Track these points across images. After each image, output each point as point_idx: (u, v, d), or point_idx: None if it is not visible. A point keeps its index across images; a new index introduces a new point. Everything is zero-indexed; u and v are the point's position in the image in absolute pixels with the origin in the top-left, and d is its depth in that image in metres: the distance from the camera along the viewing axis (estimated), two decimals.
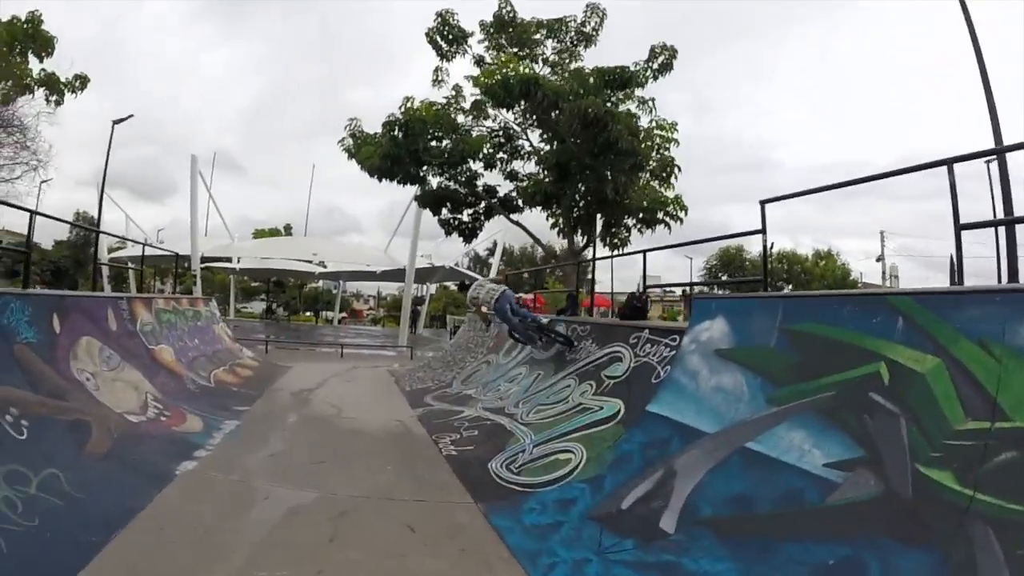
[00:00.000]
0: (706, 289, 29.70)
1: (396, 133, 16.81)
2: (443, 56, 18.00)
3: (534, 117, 16.62)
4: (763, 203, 7.38)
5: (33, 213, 9.56)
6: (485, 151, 17.87)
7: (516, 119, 18.06)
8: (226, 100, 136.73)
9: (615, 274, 17.75)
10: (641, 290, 11.58)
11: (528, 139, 18.07)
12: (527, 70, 15.52)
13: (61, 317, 8.23)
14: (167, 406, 9.12)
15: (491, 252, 53.84)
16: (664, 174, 15.65)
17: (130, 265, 26.85)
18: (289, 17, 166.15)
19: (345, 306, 69.40)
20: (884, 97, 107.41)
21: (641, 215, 16.11)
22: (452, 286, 60.26)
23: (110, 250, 38.25)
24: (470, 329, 18.36)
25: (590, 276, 15.77)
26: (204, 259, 34.82)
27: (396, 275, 46.02)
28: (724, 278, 49.01)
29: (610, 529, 5.22)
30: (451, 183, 18.75)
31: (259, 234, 56.33)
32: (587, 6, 17.12)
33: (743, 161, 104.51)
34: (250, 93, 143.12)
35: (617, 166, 15.23)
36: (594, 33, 17.27)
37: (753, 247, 48.14)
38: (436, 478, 7.18)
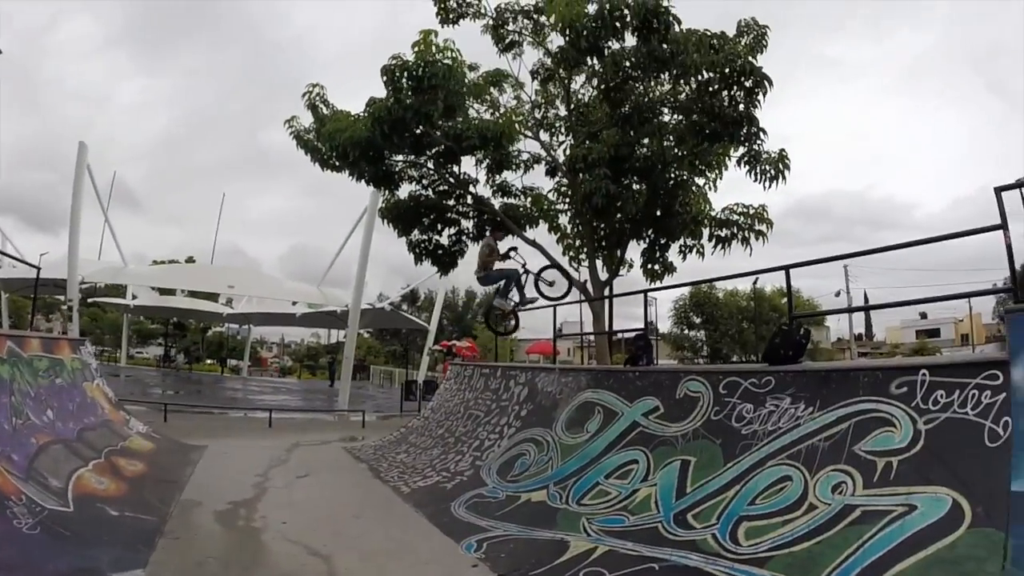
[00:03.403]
0: None
1: (404, 83, 11.59)
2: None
3: (600, 86, 12.27)
4: (998, 191, 5.43)
5: None
6: (516, 138, 13.33)
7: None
8: (137, 131, 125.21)
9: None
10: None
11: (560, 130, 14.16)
12: None
13: None
14: None
15: (406, 299, 48.24)
16: (774, 171, 11.42)
17: None
18: (212, 51, 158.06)
19: (251, 353, 60.67)
20: None
21: (717, 231, 12.48)
22: (366, 333, 53.82)
23: None
24: (460, 386, 13.65)
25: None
26: (90, 291, 27.25)
27: (317, 319, 40.09)
28: (699, 320, 44.98)
29: None
30: (428, 191, 14.13)
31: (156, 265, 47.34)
32: None
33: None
34: (160, 126, 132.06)
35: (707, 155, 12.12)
36: None
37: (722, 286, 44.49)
38: None
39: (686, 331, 46.55)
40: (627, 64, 11.10)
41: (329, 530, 7.22)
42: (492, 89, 14.11)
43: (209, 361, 59.30)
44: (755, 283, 8.54)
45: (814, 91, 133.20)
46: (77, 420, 9.57)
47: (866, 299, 41.26)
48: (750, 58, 10.52)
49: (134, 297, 38.07)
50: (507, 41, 13.31)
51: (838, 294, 42.85)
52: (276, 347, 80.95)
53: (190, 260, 51.19)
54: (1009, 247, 5.52)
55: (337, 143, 12.16)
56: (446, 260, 14.51)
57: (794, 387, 6.26)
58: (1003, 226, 5.48)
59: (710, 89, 10.56)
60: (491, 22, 13.26)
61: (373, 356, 55.45)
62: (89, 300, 28.12)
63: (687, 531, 5.71)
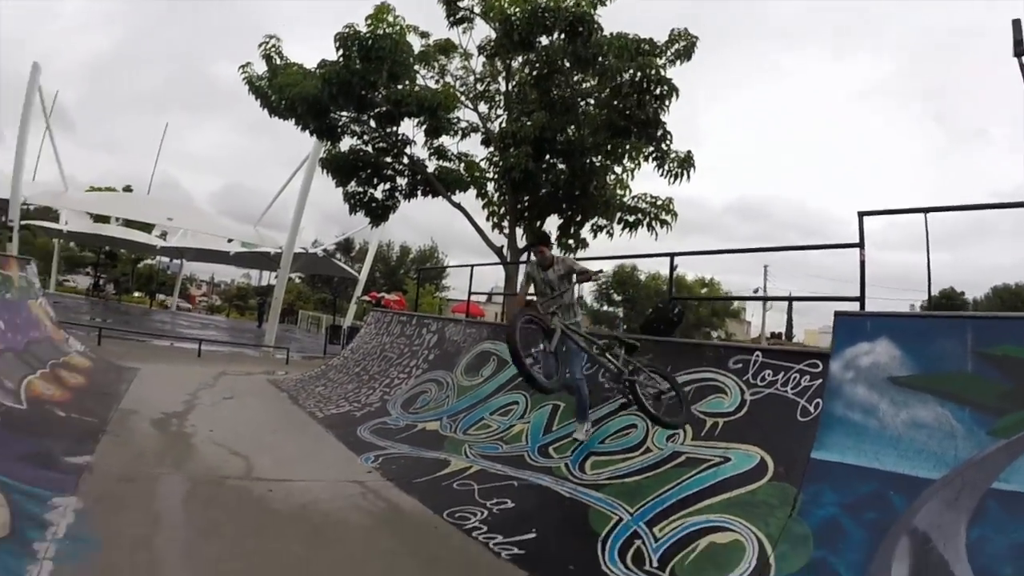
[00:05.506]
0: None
1: (354, 51, 12.00)
2: None
3: (532, 73, 12.83)
4: (861, 215, 6.34)
5: None
6: (454, 108, 13.74)
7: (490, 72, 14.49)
8: (76, 47, 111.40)
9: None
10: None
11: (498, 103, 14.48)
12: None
13: None
14: None
15: (340, 247, 47.60)
16: (679, 170, 12.11)
17: None
18: None
19: (180, 290, 57.90)
20: None
21: (626, 216, 13.15)
22: (297, 278, 52.25)
23: None
24: (378, 331, 14.09)
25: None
26: (23, 214, 26.16)
27: (250, 259, 39.04)
28: (619, 298, 45.99)
29: None
30: (368, 147, 14.29)
31: (94, 191, 43.96)
32: None
33: None
34: (103, 46, 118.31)
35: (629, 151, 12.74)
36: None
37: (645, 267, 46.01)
38: None
39: (605, 307, 47.83)
40: (556, 59, 11.77)
41: (249, 439, 7.83)
42: (441, 56, 14.34)
43: (138, 294, 56.42)
44: (672, 267, 9.14)
45: (770, 98, 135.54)
46: (24, 333, 9.72)
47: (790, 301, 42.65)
48: (661, 68, 11.09)
49: (67, 222, 35.75)
50: (458, 16, 13.64)
51: (756, 290, 43.94)
52: (206, 285, 76.97)
53: (128, 189, 48.45)
54: (862, 263, 6.26)
55: (286, 96, 12.37)
56: (379, 212, 14.80)
57: (653, 355, 6.96)
58: (860, 244, 6.24)
59: (623, 92, 11.12)
60: None
61: (302, 302, 54.12)
62: (21, 222, 26.85)
63: (546, 460, 6.44)
